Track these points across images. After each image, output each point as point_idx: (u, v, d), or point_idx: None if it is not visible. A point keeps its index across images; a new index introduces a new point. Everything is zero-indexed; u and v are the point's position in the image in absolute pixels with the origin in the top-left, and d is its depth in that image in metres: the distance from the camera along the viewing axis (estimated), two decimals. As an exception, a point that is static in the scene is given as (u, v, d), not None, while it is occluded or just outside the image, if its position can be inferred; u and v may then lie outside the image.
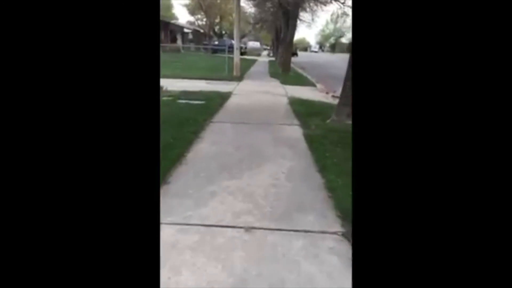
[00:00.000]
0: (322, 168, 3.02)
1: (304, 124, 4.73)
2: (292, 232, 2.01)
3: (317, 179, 2.84)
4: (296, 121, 4.99)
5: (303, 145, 3.83)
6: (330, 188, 2.62)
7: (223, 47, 13.41)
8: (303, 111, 5.61)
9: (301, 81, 11.26)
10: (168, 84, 7.51)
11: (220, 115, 5.17)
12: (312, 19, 21.87)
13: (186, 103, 5.81)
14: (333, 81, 12.41)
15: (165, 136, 3.52)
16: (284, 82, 10.56)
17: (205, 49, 28.81)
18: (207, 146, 3.61)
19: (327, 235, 2.00)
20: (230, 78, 10.81)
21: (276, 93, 7.98)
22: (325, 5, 19.05)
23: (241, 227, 2.04)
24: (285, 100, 6.94)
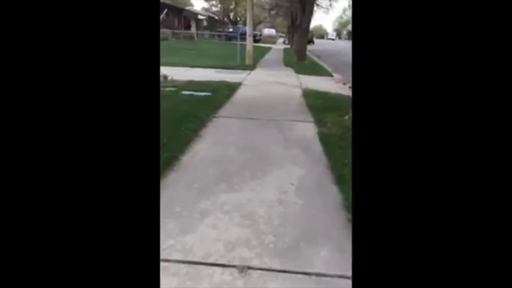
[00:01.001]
0: (340, 179, 2.51)
1: (319, 121, 4.20)
2: (300, 276, 1.54)
3: (334, 194, 2.34)
4: (310, 117, 4.47)
5: (317, 147, 3.32)
6: (350, 207, 2.12)
7: (237, 34, 12.83)
8: (318, 105, 5.06)
9: (316, 70, 10.61)
10: (175, 73, 7.06)
11: (226, 109, 4.69)
12: (330, 4, 20.96)
13: (190, 94, 5.34)
14: (350, 70, 11.73)
15: (160, 134, 3.08)
16: (299, 71, 9.95)
17: (219, 36, 28.18)
18: (206, 148, 3.15)
19: (345, 280, 1.52)
20: (242, 66, 10.27)
21: (289, 84, 7.42)
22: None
23: (233, 266, 1.58)
24: (299, 92, 6.39)
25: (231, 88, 6.16)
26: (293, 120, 4.28)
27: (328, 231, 1.89)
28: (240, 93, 5.93)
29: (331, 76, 9.89)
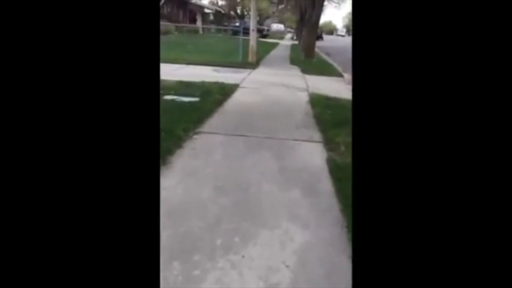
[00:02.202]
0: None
1: (328, 141, 3.29)
2: None
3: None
4: (317, 135, 3.55)
5: (327, 185, 2.41)
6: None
7: (243, 29, 11.92)
8: (328, 116, 4.14)
9: (325, 70, 9.63)
10: (167, 71, 6.19)
11: (212, 122, 3.78)
12: None
13: (172, 100, 4.44)
14: (363, 70, 10.76)
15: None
16: (306, 70, 8.99)
17: (225, 30, 27.20)
18: (171, 186, 2.25)
19: None
20: (244, 64, 9.34)
21: (294, 86, 6.49)
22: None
23: None
24: (305, 98, 5.46)
25: (226, 91, 5.25)
26: (296, 140, 3.37)
27: None
28: (235, 99, 5.01)
29: (341, 76, 8.91)
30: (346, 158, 2.85)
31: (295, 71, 9.15)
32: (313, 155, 2.99)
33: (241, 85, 6.11)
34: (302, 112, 4.48)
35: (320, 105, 4.82)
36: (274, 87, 6.28)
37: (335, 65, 11.58)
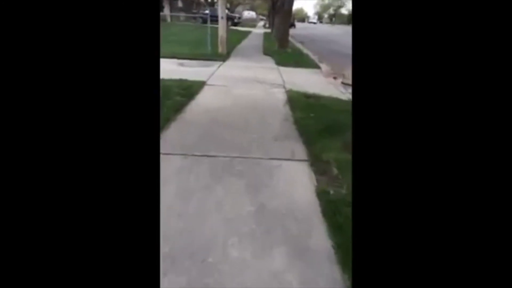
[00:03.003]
0: None
1: (316, 159, 2.59)
2: None
3: None
4: (301, 149, 2.84)
5: (322, 242, 1.70)
6: None
7: (212, 17, 10.95)
8: (311, 121, 3.44)
9: (301, 61, 8.91)
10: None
11: (168, 137, 2.96)
12: None
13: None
14: (338, 59, 10.10)
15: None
16: (281, 62, 8.26)
17: (194, 18, 25.81)
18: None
19: None
20: (213, 56, 8.46)
21: (269, 82, 5.75)
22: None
23: None
24: (282, 96, 4.73)
25: (189, 91, 4.42)
26: (275, 158, 2.65)
27: None
28: (199, 101, 4.20)
29: (318, 68, 8.27)
30: (341, 186, 2.17)
31: (269, 63, 8.39)
32: (298, 183, 2.28)
33: (208, 83, 5.28)
34: (280, 117, 3.75)
35: (300, 105, 4.12)
36: (246, 83, 5.51)
37: (311, 54, 10.92)
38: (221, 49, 9.33)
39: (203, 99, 4.31)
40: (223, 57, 8.48)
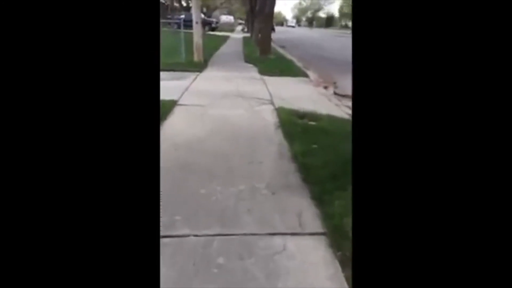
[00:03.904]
0: None
1: (337, 234, 1.71)
2: None
3: None
4: (311, 212, 1.94)
5: None
6: None
7: (187, 22, 9.97)
8: (316, 159, 2.56)
9: (286, 68, 8.06)
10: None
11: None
12: None
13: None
14: (324, 65, 9.37)
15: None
16: (264, 70, 7.41)
17: (169, 24, 24.74)
18: None
19: None
20: (188, 66, 7.51)
21: (254, 96, 4.86)
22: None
23: None
24: (271, 117, 3.85)
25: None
26: (276, 233, 1.73)
27: None
28: (166, 132, 3.21)
29: (306, 76, 7.48)
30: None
31: (252, 71, 7.53)
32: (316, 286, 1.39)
33: (180, 102, 4.32)
34: (273, 151, 2.86)
35: (296, 131, 3.25)
36: (226, 100, 4.60)
37: (295, 60, 10.15)
38: (197, 57, 8.39)
39: (170, 128, 3.34)
40: (200, 67, 7.55)
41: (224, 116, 3.81)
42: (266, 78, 6.67)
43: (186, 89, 5.16)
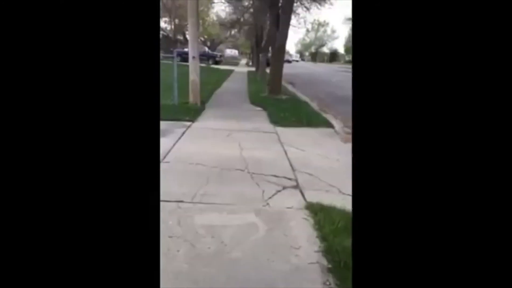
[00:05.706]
0: None
1: None
2: None
3: None
4: None
5: None
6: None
7: (177, 54, 8.55)
8: None
9: (303, 114, 6.36)
10: None
11: None
12: (304, 22, 18.27)
13: None
14: (343, 107, 7.64)
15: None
16: (277, 118, 5.73)
17: (171, 56, 23.76)
18: None
19: None
20: (180, 111, 5.82)
21: (268, 172, 3.08)
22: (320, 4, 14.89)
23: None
24: (304, 234, 2.06)
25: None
26: None
27: None
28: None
29: (329, 125, 5.77)
30: None
31: (261, 119, 5.83)
32: None
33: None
34: None
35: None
36: (224, 184, 2.82)
37: (308, 100, 8.54)
38: (192, 98, 6.77)
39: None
40: (194, 112, 5.86)
41: (220, 234, 2.00)
42: (280, 130, 4.97)
43: (166, 154, 3.42)
